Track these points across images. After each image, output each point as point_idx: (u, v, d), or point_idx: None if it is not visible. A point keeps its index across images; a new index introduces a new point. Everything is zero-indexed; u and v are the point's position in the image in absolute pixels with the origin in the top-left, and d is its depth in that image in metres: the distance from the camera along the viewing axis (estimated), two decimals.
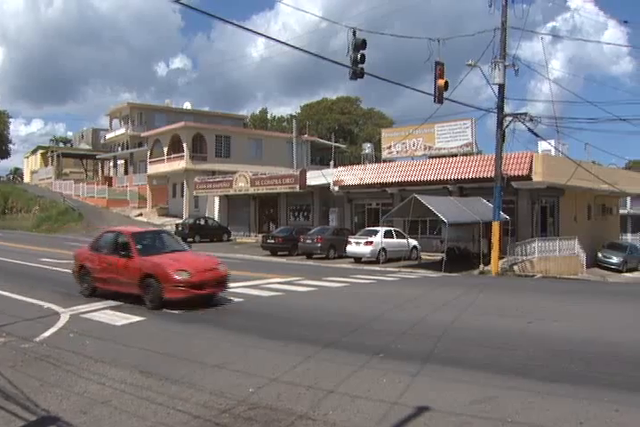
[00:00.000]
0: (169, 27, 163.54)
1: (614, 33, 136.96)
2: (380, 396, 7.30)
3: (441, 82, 23.96)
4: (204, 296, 14.35)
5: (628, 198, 52.39)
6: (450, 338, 10.78)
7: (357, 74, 19.54)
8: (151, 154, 61.01)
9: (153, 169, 60.33)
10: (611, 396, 7.35)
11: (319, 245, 32.66)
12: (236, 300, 15.54)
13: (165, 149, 57.89)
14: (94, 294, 15.68)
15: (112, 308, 14.12)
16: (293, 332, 11.44)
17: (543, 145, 34.47)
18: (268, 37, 31.14)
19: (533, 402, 7.17)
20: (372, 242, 30.50)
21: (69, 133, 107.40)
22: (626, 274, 36.53)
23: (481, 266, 27.91)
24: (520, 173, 30.02)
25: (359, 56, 19.48)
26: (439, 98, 24.17)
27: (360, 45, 19.43)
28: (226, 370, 8.52)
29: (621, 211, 49.67)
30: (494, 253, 26.74)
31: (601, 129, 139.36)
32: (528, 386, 7.83)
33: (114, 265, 14.93)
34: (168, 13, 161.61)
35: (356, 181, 38.06)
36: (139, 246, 15.00)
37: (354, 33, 19.47)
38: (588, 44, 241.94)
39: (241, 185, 47.33)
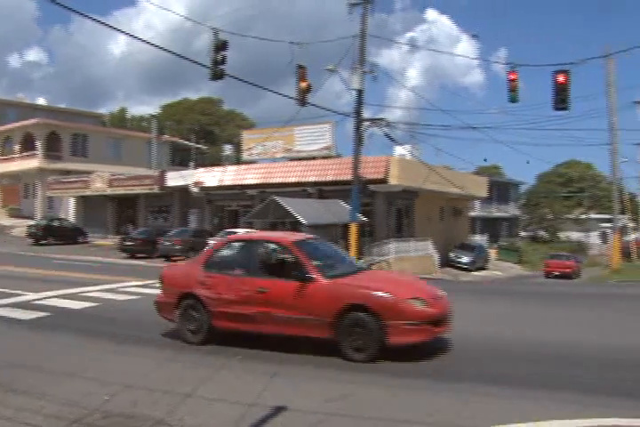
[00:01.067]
0: (23, 15, 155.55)
1: (466, 46, 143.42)
2: (238, 398, 7.26)
3: (303, 84, 24.18)
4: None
5: (477, 202, 55.28)
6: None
7: (218, 75, 19.37)
8: (1, 152, 58.09)
9: (3, 168, 57.31)
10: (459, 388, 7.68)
11: (178, 247, 32.26)
12: (89, 304, 14.87)
13: (17, 147, 55.19)
14: (209, 339, 10.39)
15: None
16: (148, 336, 11.15)
17: (399, 150, 35.43)
18: (126, 34, 30.28)
19: (390, 398, 7.35)
20: None
21: None
22: (474, 273, 38.66)
23: None
24: (377, 177, 30.98)
25: (220, 57, 19.30)
26: (302, 100, 24.40)
27: (221, 46, 19.25)
28: (79, 378, 8.17)
29: (471, 213, 52.29)
30: (352, 254, 27.21)
31: (453, 136, 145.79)
32: (381, 382, 8.05)
33: (271, 294, 9.75)
34: (22, 0, 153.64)
35: (216, 183, 37.92)
36: (316, 263, 10.06)
37: (215, 34, 19.27)
38: (443, 54, 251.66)
39: (98, 186, 45.97)
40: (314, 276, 9.60)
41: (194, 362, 9.21)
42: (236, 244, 11.33)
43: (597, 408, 6.71)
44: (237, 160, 46.73)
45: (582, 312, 16.10)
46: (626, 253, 38.21)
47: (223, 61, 19.31)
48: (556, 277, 39.39)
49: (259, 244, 10.77)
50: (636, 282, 30.08)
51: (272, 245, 10.58)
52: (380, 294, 9.27)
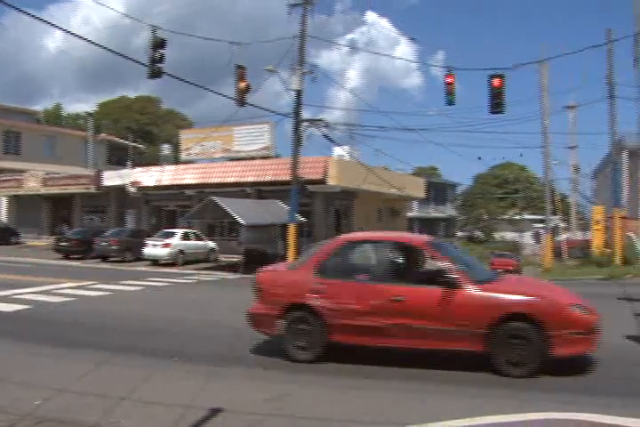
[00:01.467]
0: None
1: (405, 48, 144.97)
2: (174, 400, 7.19)
3: (242, 84, 24.12)
4: None
5: (415, 202, 56.10)
6: (245, 339, 10.75)
7: (156, 73, 19.15)
8: None
9: None
10: (414, 387, 7.73)
11: (115, 247, 31.75)
12: (21, 307, 14.55)
13: None
14: (321, 356, 9.11)
15: None
16: (83, 339, 10.95)
17: (338, 151, 35.59)
18: (62, 29, 29.82)
19: (328, 397, 7.41)
20: (169, 244, 30.18)
21: None
22: None
23: None
24: (315, 177, 31.14)
25: (158, 55, 19.06)
26: (240, 100, 24.35)
27: (159, 44, 19.02)
28: (8, 383, 7.93)
29: (409, 214, 53.00)
30: (291, 255, 27.30)
31: (391, 137, 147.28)
32: (322, 381, 8.11)
33: (409, 302, 8.64)
34: None
35: (154, 183, 37.52)
36: (461, 267, 9.00)
37: (153, 31, 19.03)
38: (382, 57, 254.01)
39: (31, 185, 44.92)
40: (461, 281, 8.58)
41: (128, 365, 9.07)
42: (357, 246, 10.08)
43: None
44: (176, 160, 46.27)
45: None
46: (557, 253, 39.22)
47: (161, 60, 19.09)
48: None
49: (384, 245, 9.84)
50: (565, 280, 30.85)
51: (400, 247, 9.72)
52: (541, 300, 8.46)
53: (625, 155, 26.25)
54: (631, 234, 30.08)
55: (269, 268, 10.71)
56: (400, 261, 9.49)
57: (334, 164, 32.10)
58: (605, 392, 7.44)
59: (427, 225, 62.13)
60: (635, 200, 23.71)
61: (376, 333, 8.73)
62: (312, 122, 28.58)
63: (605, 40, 28.09)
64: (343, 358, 9.12)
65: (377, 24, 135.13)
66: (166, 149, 50.55)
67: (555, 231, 46.62)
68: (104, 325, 12.48)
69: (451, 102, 22.68)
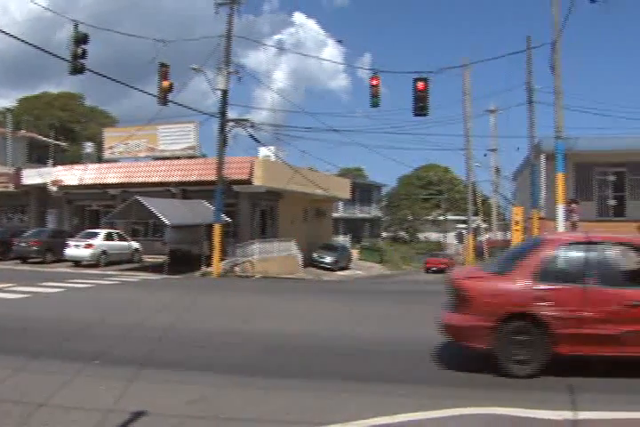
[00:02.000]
0: None
1: (332, 50, 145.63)
2: (96, 404, 7.05)
3: (165, 83, 23.97)
4: None
5: (340, 203, 56.62)
6: (169, 340, 10.81)
7: (78, 69, 18.86)
8: None
9: None
10: (335, 387, 7.86)
11: (35, 248, 31.02)
12: None
13: None
14: (540, 370, 8.30)
15: None
16: (0, 343, 10.59)
17: (264, 151, 35.63)
18: None
19: (250, 398, 7.43)
20: (92, 244, 29.66)
21: None
22: (338, 272, 39.72)
23: (203, 268, 28.37)
24: (241, 177, 31.22)
25: (80, 51, 18.78)
26: (163, 99, 24.16)
27: (82, 40, 18.75)
28: None
29: (334, 214, 53.48)
30: (216, 255, 27.36)
31: (317, 138, 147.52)
32: (245, 383, 8.11)
33: None
34: None
35: (77, 182, 36.75)
36: None
37: (76, 26, 18.74)
38: (310, 58, 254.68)
39: None
40: None
41: (48, 370, 8.81)
42: (577, 247, 8.92)
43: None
44: (99, 159, 45.39)
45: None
46: (479, 253, 40.19)
47: (84, 55, 18.82)
48: (434, 271, 47.92)
49: (612, 247, 8.87)
50: None
51: (634, 248, 8.85)
52: None
53: (542, 158, 27.08)
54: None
55: (466, 273, 9.65)
56: (633, 263, 8.78)
57: (260, 164, 32.19)
58: (525, 387, 7.76)
59: (352, 225, 62.88)
60: (552, 202, 24.48)
61: (610, 341, 8.06)
62: (238, 122, 28.70)
63: (525, 47, 28.93)
64: (265, 358, 9.18)
65: (305, 25, 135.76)
66: (89, 148, 49.44)
67: (477, 232, 47.89)
68: (22, 328, 12.10)
69: (375, 104, 23.01)
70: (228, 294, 20.41)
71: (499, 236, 50.18)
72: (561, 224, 22.50)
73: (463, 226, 55.83)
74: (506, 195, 43.96)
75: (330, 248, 42.70)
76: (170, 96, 24.41)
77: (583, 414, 6.55)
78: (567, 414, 6.54)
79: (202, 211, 29.85)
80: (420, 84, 21.82)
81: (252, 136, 28.90)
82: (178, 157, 37.41)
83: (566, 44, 74.50)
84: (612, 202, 28.51)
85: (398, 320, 14.22)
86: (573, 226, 22.81)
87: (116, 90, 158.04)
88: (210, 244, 28.61)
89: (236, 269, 29.11)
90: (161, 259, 29.82)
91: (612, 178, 28.43)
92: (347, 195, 47.37)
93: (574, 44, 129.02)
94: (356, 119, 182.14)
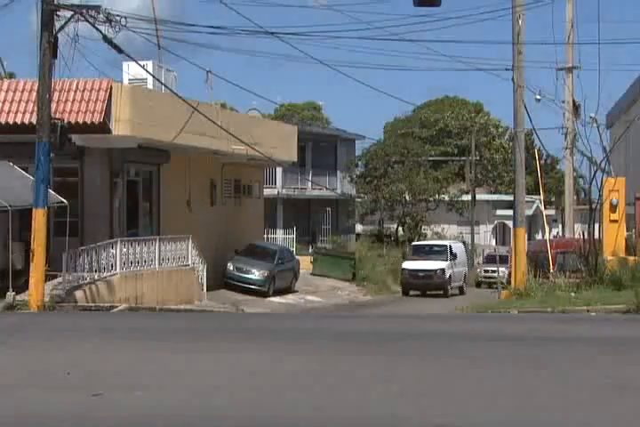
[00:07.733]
0: None
1: None
2: None
3: None
4: None
5: (279, 170, 40.20)
6: None
7: None
8: None
9: None
10: None
11: None
12: None
13: None
14: None
15: None
16: None
17: (134, 70, 25.36)
18: None
19: None
20: None
21: None
22: (273, 298, 29.24)
23: (10, 294, 19.22)
24: (89, 120, 21.91)
25: None
26: None
27: None
28: None
29: (269, 191, 38.76)
30: (37, 270, 18.20)
31: (239, 48, 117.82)
32: None
33: None
34: None
35: None
36: None
37: None
38: None
39: None
40: None
41: None
42: None
43: None
44: None
45: None
46: (539, 263, 30.32)
47: None
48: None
49: None
50: None
51: None
52: None
53: None
54: None
55: None
56: None
57: (127, 95, 22.69)
58: None
59: (301, 212, 45.03)
60: None
61: None
62: (80, 10, 18.08)
63: None
64: None
65: None
66: None
67: (534, 223, 38.90)
68: None
69: None
70: (59, 345, 11.36)
71: (577, 230, 33.71)
72: None
73: (507, 212, 41.06)
74: (592, 156, 28.05)
75: (259, 254, 30.29)
76: None
77: None
78: None
79: (7, 182, 20.16)
80: None
81: (109, 41, 18.06)
82: None
83: None
84: None
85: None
86: None
87: None
88: (25, 247, 19.67)
89: (79, 294, 20.31)
90: None
91: None
92: (291, 155, 33.36)
93: None
94: (312, 15, 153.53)
